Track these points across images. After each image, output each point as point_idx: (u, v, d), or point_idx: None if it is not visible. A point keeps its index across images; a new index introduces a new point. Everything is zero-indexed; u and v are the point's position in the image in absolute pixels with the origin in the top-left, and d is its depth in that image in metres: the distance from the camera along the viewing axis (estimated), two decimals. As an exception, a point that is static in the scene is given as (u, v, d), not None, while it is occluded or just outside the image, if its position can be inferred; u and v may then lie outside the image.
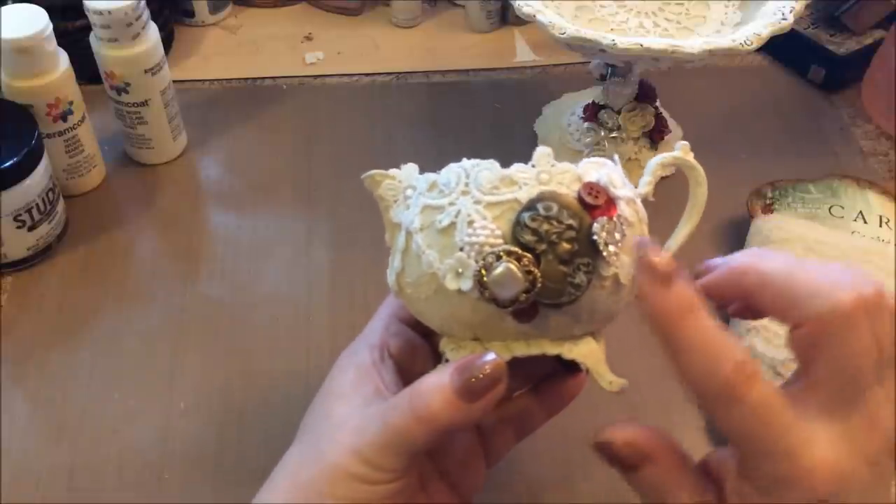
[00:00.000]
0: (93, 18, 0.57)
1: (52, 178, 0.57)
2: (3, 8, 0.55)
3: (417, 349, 0.38)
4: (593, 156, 0.62)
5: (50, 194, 0.56)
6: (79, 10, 0.58)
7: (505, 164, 0.34)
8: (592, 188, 0.32)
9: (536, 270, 0.31)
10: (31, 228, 0.56)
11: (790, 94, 0.72)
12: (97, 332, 0.54)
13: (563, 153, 0.64)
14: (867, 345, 0.27)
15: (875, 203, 0.57)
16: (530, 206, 0.31)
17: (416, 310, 0.35)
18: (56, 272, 0.57)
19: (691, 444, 0.49)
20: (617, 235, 0.31)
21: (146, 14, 0.58)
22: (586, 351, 0.34)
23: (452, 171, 0.33)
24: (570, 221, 0.31)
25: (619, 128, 0.62)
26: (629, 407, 0.50)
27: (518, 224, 0.31)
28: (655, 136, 0.63)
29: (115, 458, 0.48)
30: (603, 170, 0.33)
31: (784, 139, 0.68)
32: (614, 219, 0.31)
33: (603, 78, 0.62)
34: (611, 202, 0.32)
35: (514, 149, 0.66)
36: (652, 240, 0.30)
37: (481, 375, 0.32)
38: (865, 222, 0.56)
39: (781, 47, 0.66)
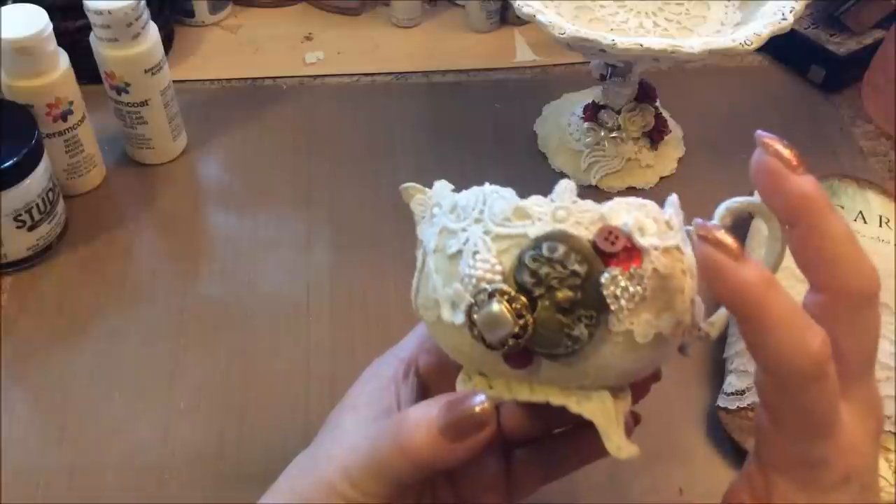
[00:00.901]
0: (93, 18, 0.57)
1: (52, 178, 0.57)
2: (3, 8, 0.55)
3: (447, 370, 0.36)
4: (593, 156, 0.63)
5: (50, 194, 0.56)
6: (79, 10, 0.58)
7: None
8: (611, 233, 0.28)
9: (529, 316, 0.28)
10: (31, 228, 0.56)
11: (790, 94, 0.72)
12: (97, 332, 0.54)
13: (563, 153, 0.64)
14: (878, 326, 0.27)
15: (875, 203, 0.57)
16: (536, 244, 0.29)
17: (429, 332, 0.34)
18: (56, 272, 0.57)
19: (690, 443, 0.49)
20: (632, 289, 0.28)
21: (146, 14, 0.58)
22: (597, 407, 0.31)
23: (472, 195, 0.31)
24: (576, 267, 0.28)
25: (619, 128, 0.62)
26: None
27: (519, 262, 0.29)
28: (655, 136, 0.63)
29: (115, 458, 0.48)
30: (635, 212, 0.29)
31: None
32: (632, 271, 0.28)
33: (603, 78, 0.62)
34: (632, 251, 0.28)
35: (514, 149, 0.66)
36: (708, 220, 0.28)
37: (467, 415, 0.30)
38: (865, 222, 0.56)
39: (781, 47, 0.66)
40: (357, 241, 0.60)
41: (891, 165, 0.66)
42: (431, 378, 0.36)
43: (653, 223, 0.29)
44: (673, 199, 0.31)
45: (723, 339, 0.52)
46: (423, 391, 0.36)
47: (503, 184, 0.32)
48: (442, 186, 0.33)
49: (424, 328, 0.37)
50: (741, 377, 0.48)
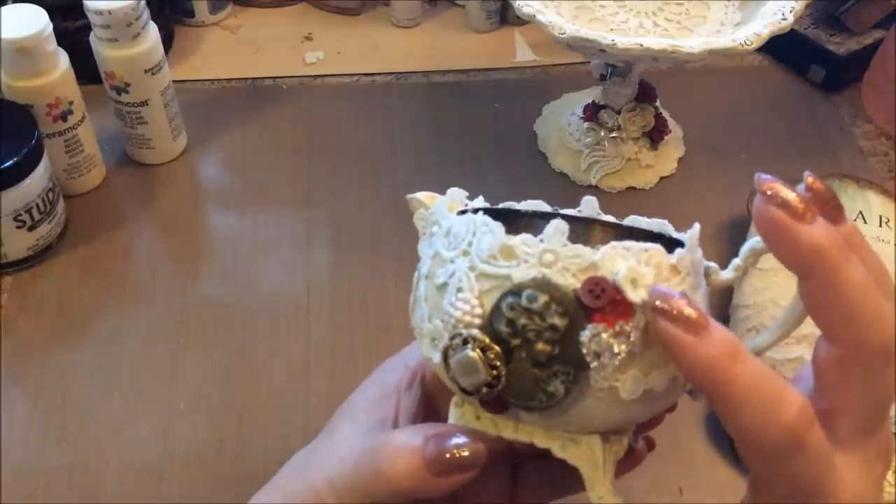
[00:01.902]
0: (93, 18, 0.57)
1: (52, 178, 0.57)
2: (3, 8, 0.55)
3: None
4: (593, 156, 0.63)
5: (50, 194, 0.56)
6: (79, 10, 0.58)
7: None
8: (596, 285, 0.26)
9: (503, 367, 0.27)
10: (31, 228, 0.56)
11: (790, 94, 0.72)
12: (97, 332, 0.54)
13: (563, 153, 0.64)
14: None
15: (875, 203, 0.57)
16: (516, 291, 0.26)
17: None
18: (56, 272, 0.57)
19: (690, 443, 0.49)
20: (616, 348, 0.26)
21: (146, 14, 0.58)
22: (583, 454, 0.29)
23: (464, 223, 0.29)
24: (555, 321, 0.26)
25: (619, 128, 0.62)
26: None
27: (497, 309, 0.27)
28: (655, 136, 0.63)
29: (115, 458, 0.48)
30: (631, 260, 0.26)
31: (784, 139, 0.68)
32: (617, 327, 0.26)
33: (603, 78, 0.62)
34: (621, 306, 0.26)
35: (514, 149, 0.66)
36: (666, 287, 0.26)
37: (457, 455, 0.29)
38: (865, 222, 0.56)
39: (781, 47, 0.66)
40: (357, 241, 0.60)
41: (891, 165, 0.66)
42: (437, 388, 0.35)
43: (651, 271, 0.26)
44: (691, 233, 0.28)
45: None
46: (428, 402, 0.35)
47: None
48: (444, 201, 0.32)
49: None
50: (741, 377, 0.48)
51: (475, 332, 0.27)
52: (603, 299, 0.26)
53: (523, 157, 0.65)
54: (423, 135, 0.68)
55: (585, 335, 0.26)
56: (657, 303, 0.25)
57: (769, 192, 0.25)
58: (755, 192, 0.25)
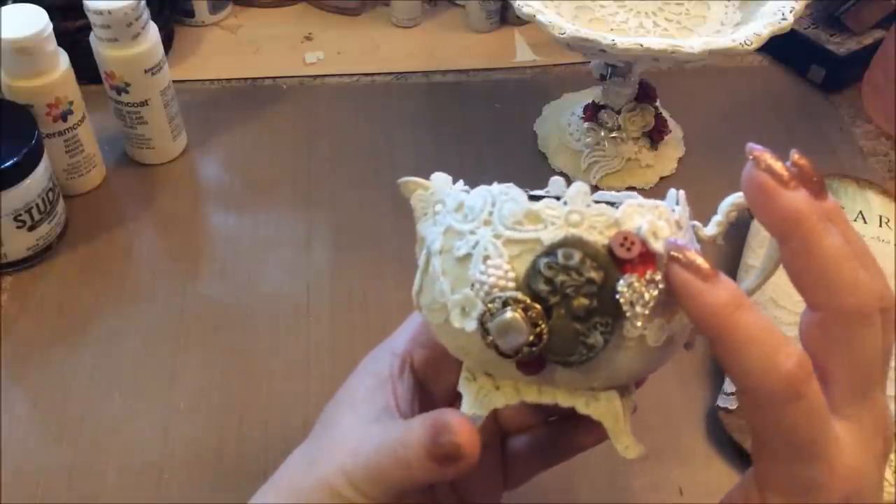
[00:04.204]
0: (93, 18, 0.57)
1: (52, 178, 0.57)
2: (3, 8, 0.55)
3: (443, 365, 0.36)
4: (593, 156, 0.63)
5: (50, 194, 0.56)
6: (79, 10, 0.58)
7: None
8: (626, 239, 0.28)
9: (544, 325, 0.28)
10: (31, 228, 0.56)
11: (790, 94, 0.72)
12: (97, 332, 0.54)
13: (563, 153, 0.64)
14: (879, 345, 0.26)
15: (875, 203, 0.57)
16: (550, 251, 0.28)
17: (432, 332, 0.33)
18: (56, 272, 0.57)
19: (690, 443, 0.49)
20: (647, 295, 0.28)
21: (146, 14, 0.58)
22: (605, 408, 0.31)
23: (480, 195, 0.30)
24: (592, 275, 0.27)
25: (619, 128, 0.62)
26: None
27: (533, 270, 0.28)
28: (655, 136, 0.63)
29: (115, 458, 0.48)
30: (648, 215, 0.29)
31: (784, 139, 0.68)
32: (647, 276, 0.28)
33: (603, 78, 0.62)
34: (647, 257, 0.28)
35: (514, 149, 0.66)
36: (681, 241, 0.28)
37: (449, 445, 0.30)
38: (865, 222, 0.56)
39: (781, 47, 0.66)
40: (357, 241, 0.60)
41: (891, 165, 0.66)
42: (428, 373, 0.36)
43: (665, 225, 0.28)
44: (680, 194, 0.31)
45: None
46: (419, 385, 0.36)
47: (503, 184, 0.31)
48: (442, 181, 0.32)
49: (416, 320, 0.37)
50: (741, 377, 0.48)
51: (514, 293, 0.28)
52: (633, 251, 0.28)
53: (523, 157, 0.65)
54: (423, 135, 0.68)
55: (622, 285, 0.27)
56: (673, 252, 0.27)
57: (759, 159, 0.27)
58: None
